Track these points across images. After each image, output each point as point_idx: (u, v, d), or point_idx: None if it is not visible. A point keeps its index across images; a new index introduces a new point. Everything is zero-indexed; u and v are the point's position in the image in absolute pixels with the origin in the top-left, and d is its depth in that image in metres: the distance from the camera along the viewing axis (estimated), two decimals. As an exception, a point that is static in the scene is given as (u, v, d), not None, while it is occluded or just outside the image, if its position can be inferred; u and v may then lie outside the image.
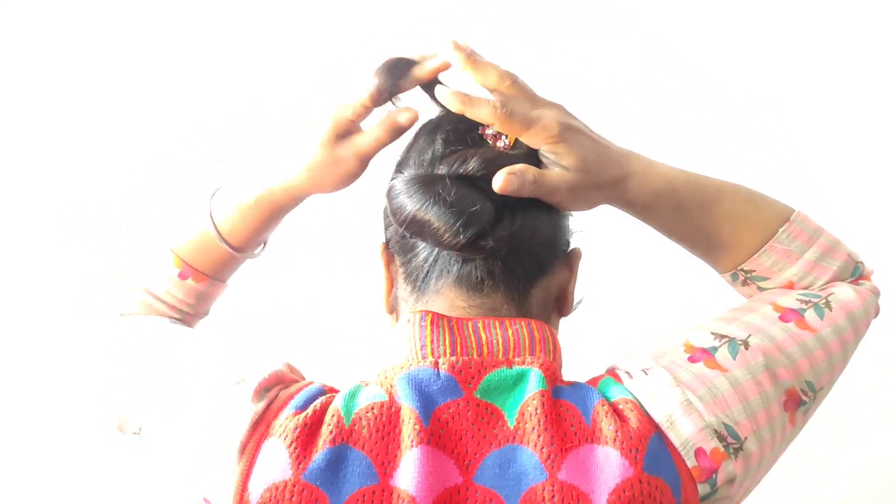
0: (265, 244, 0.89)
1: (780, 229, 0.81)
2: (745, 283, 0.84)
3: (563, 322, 0.80)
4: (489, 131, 0.74)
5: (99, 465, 1.47)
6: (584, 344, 0.92)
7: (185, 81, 1.57)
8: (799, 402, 0.75)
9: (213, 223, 0.84)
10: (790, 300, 0.79)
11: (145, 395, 0.77)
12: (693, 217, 0.79)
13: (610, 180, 0.74)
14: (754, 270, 0.82)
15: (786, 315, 0.77)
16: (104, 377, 0.81)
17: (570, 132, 0.72)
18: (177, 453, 0.73)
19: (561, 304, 0.79)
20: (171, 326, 0.85)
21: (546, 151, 0.72)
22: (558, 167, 0.72)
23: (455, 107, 0.72)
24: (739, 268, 0.82)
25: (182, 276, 0.85)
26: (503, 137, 0.74)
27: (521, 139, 0.72)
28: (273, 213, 0.84)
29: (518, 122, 0.71)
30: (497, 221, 0.71)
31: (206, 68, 1.56)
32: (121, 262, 0.89)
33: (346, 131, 0.78)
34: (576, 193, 0.73)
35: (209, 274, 0.86)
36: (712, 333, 0.75)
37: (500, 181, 0.69)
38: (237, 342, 0.80)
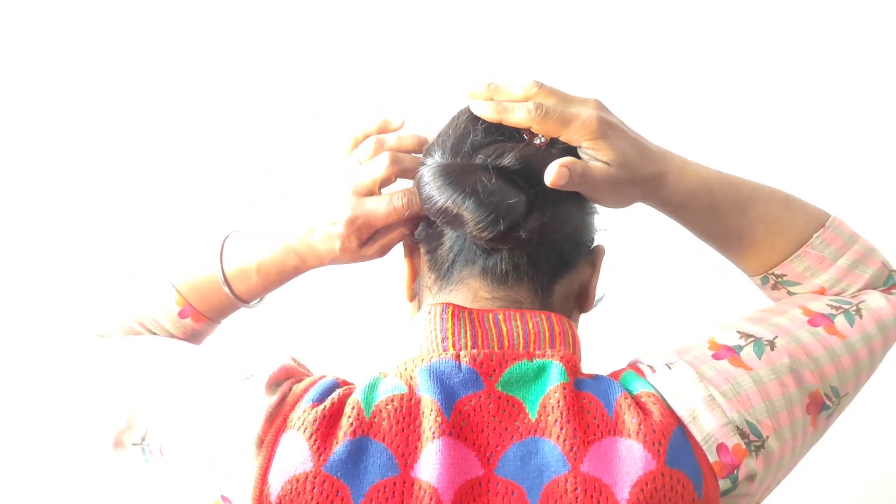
0: (262, 298, 0.89)
1: (815, 234, 0.80)
2: (775, 287, 0.84)
3: (584, 317, 0.80)
4: None
5: (103, 467, 1.46)
6: (603, 339, 0.92)
7: (199, 95, 1.56)
8: (822, 405, 0.75)
9: (223, 272, 0.83)
10: (820, 305, 0.79)
11: (148, 400, 0.76)
12: (727, 218, 0.79)
13: (648, 176, 0.75)
14: (785, 275, 0.82)
15: (815, 319, 0.77)
16: (100, 386, 0.80)
17: (609, 128, 0.72)
18: (190, 456, 0.72)
19: (582, 300, 0.79)
20: (160, 337, 0.84)
21: (587, 148, 0.72)
22: (599, 162, 0.72)
23: (491, 116, 0.72)
24: (770, 272, 0.82)
25: (182, 315, 0.84)
26: (539, 134, 0.74)
27: (560, 138, 0.72)
28: (287, 278, 0.85)
29: (555, 121, 0.71)
30: (528, 214, 0.71)
31: (217, 78, 1.56)
32: (118, 287, 0.87)
33: (369, 236, 0.80)
34: (616, 189, 0.73)
35: (210, 316, 0.86)
36: (738, 332, 0.75)
37: (553, 174, 0.69)
38: (236, 342, 0.80)
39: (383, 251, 0.81)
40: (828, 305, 0.79)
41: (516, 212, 0.70)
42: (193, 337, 0.87)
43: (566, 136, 0.72)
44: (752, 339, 0.74)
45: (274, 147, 1.55)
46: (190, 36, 1.55)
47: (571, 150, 0.73)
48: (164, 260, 0.86)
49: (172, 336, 0.85)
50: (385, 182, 0.78)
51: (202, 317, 0.85)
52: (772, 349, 0.73)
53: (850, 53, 1.52)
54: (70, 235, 1.52)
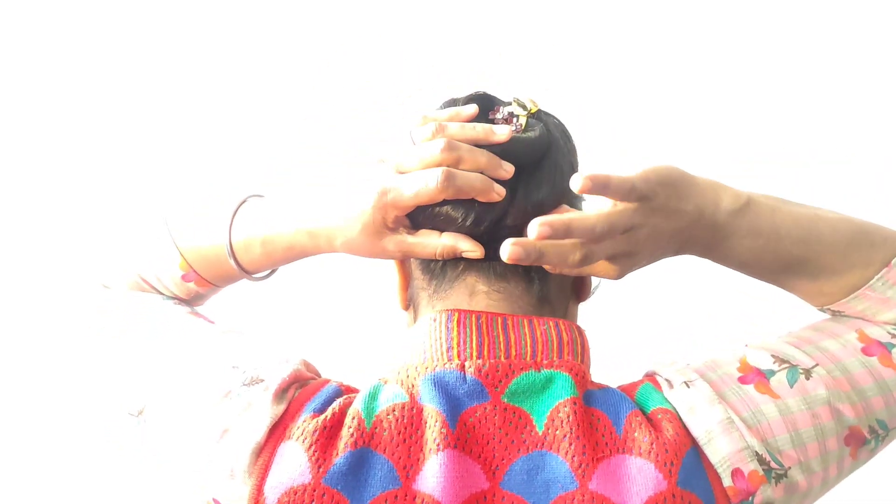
0: (274, 271, 0.84)
1: (876, 277, 0.73)
2: (834, 315, 0.78)
3: (589, 319, 0.79)
4: (499, 115, 0.73)
5: (98, 465, 1.45)
6: (610, 340, 0.91)
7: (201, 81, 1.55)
8: (863, 440, 0.71)
9: (230, 243, 0.78)
10: (880, 332, 0.74)
11: (153, 373, 0.74)
12: (774, 279, 0.75)
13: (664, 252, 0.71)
14: (843, 312, 0.76)
15: (870, 348, 0.73)
16: (104, 355, 0.77)
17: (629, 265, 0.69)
18: (186, 454, 0.70)
19: (578, 288, 0.77)
20: (177, 307, 0.81)
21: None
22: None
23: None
24: (826, 308, 0.77)
25: (185, 279, 0.81)
26: (515, 120, 0.72)
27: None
28: (294, 257, 0.78)
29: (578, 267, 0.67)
30: (511, 201, 0.70)
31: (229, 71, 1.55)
32: (119, 244, 0.85)
33: (396, 224, 0.71)
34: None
35: (213, 282, 0.82)
36: (773, 356, 0.71)
37: (506, 252, 0.64)
38: (250, 334, 0.78)
39: (399, 252, 0.72)
40: (889, 333, 0.74)
41: (498, 204, 0.69)
42: (197, 298, 0.84)
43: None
44: (786, 365, 0.71)
45: (274, 147, 1.54)
46: (190, 36, 1.54)
47: (547, 133, 0.72)
48: (171, 219, 0.82)
49: (175, 296, 0.82)
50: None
51: (205, 282, 0.81)
52: (807, 378, 0.70)
53: (850, 53, 1.51)
54: (69, 222, 1.51)
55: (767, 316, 1.10)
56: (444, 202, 0.69)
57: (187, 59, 1.55)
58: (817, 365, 0.71)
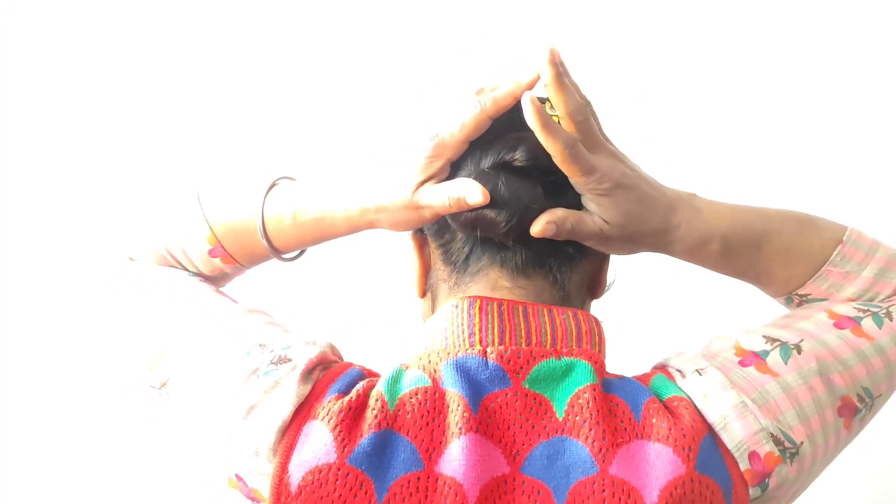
0: (304, 251, 0.83)
1: (834, 252, 0.79)
2: (800, 304, 0.82)
3: (606, 314, 0.80)
4: None
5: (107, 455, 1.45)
6: (622, 336, 0.91)
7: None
8: (854, 409, 0.74)
9: (262, 219, 0.77)
10: (846, 308, 0.78)
11: (180, 345, 0.74)
12: (741, 259, 0.78)
13: (650, 233, 0.72)
14: (810, 294, 0.80)
15: (841, 322, 0.76)
16: (127, 326, 0.77)
17: (619, 189, 0.69)
18: (210, 429, 0.71)
19: (594, 286, 0.78)
20: (203, 283, 0.80)
21: (589, 201, 0.70)
22: (597, 217, 0.70)
23: (534, 126, 0.67)
24: (794, 293, 0.81)
25: (212, 255, 0.80)
26: None
27: (571, 180, 0.69)
28: (323, 231, 0.77)
29: (578, 167, 0.68)
30: (545, 206, 0.70)
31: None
32: (149, 214, 0.84)
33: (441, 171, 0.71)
34: (609, 244, 0.72)
35: (240, 261, 0.81)
36: (763, 337, 0.74)
37: (539, 227, 0.68)
38: (273, 315, 0.79)
39: (427, 206, 0.71)
40: (854, 308, 0.78)
41: (535, 207, 0.69)
42: (220, 278, 0.84)
43: (577, 184, 0.69)
44: (777, 343, 0.73)
45: (274, 147, 1.54)
46: (190, 37, 1.55)
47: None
48: (203, 192, 0.81)
49: (199, 272, 0.82)
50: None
51: (232, 260, 0.81)
52: (798, 353, 0.72)
53: (850, 53, 1.52)
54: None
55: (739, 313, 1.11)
56: (483, 208, 0.69)
57: (188, 59, 1.55)
58: (804, 340, 0.74)
